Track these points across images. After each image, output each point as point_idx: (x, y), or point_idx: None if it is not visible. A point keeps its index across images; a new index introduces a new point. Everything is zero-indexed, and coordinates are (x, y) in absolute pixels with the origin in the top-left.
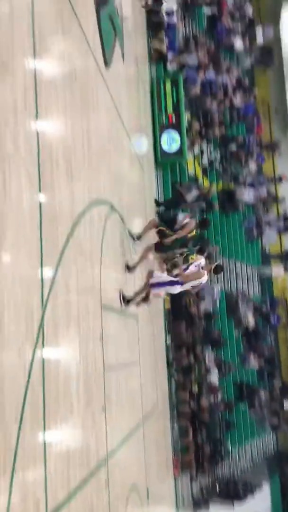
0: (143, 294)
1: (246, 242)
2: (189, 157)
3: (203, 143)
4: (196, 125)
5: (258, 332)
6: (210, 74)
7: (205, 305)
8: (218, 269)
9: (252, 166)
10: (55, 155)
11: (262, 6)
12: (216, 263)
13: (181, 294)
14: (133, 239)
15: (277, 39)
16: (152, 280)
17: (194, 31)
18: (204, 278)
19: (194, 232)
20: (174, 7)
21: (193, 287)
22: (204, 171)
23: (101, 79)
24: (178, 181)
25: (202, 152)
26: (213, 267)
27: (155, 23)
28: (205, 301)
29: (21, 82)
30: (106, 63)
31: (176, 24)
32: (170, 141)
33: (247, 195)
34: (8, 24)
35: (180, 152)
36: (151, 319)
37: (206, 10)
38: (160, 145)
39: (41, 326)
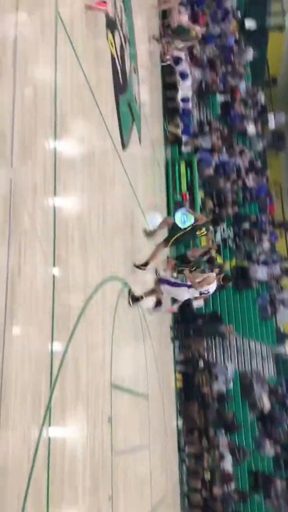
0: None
1: (260, 320)
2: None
3: None
4: (209, 204)
5: (274, 416)
6: (224, 156)
7: (218, 386)
8: (226, 279)
9: (265, 244)
10: (71, 232)
11: (274, 94)
12: (224, 273)
13: (194, 372)
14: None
15: None
16: (162, 275)
17: (208, 117)
18: (213, 286)
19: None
20: (189, 94)
21: (200, 293)
22: (218, 249)
23: (118, 160)
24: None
25: (215, 230)
26: (221, 277)
27: (171, 109)
28: (218, 381)
29: (41, 163)
30: (124, 145)
31: (191, 110)
32: (184, 219)
33: (260, 272)
34: (32, 108)
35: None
36: (162, 399)
37: (220, 98)
38: (174, 221)
39: (48, 406)
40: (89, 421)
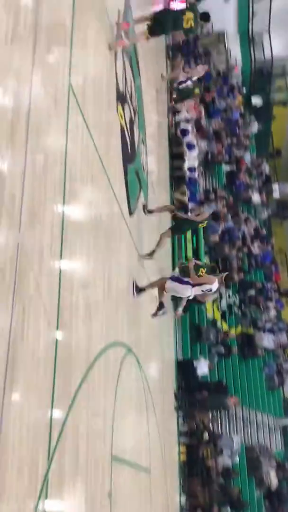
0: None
1: (267, 390)
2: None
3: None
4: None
5: (281, 493)
6: (229, 224)
7: (224, 460)
8: (228, 278)
9: (271, 312)
10: (75, 296)
11: (278, 165)
12: (226, 273)
13: (198, 445)
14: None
15: None
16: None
17: (214, 185)
18: (215, 285)
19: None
20: (196, 164)
21: (203, 292)
22: (223, 315)
23: (125, 226)
24: (197, 323)
25: (221, 296)
26: (223, 276)
27: (177, 178)
28: (224, 454)
29: (49, 227)
30: (131, 212)
31: (197, 179)
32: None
33: (266, 340)
34: (42, 174)
35: None
36: (164, 474)
37: (225, 167)
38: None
39: (45, 479)
40: (87, 495)
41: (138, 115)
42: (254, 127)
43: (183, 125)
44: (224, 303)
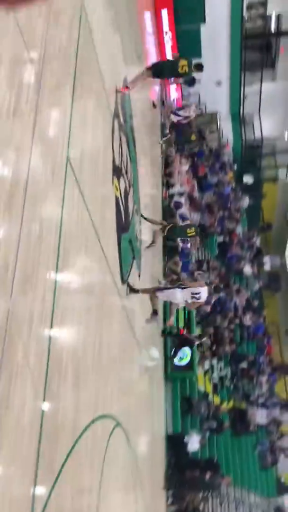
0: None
1: (259, 469)
2: (200, 372)
3: (214, 359)
4: (207, 341)
5: None
6: (221, 294)
7: None
8: (216, 288)
9: (264, 386)
10: (64, 365)
11: (269, 238)
12: (216, 284)
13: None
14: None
15: (284, 266)
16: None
17: (207, 256)
18: (204, 290)
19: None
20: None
21: (192, 296)
22: (215, 388)
23: (117, 295)
24: (188, 395)
25: (212, 367)
26: (213, 286)
27: (170, 248)
28: None
29: (41, 294)
30: (123, 281)
31: (190, 250)
32: (181, 355)
33: (259, 416)
34: (36, 242)
35: (190, 366)
36: None
37: (218, 238)
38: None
39: None
40: None
41: (133, 187)
42: (245, 202)
43: (176, 198)
44: (215, 375)
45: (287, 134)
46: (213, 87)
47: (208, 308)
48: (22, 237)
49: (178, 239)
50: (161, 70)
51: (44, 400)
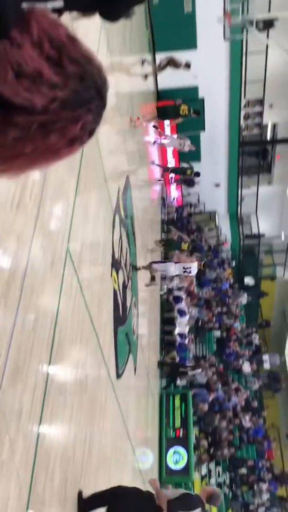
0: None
1: None
2: (196, 477)
3: (211, 463)
4: (204, 443)
5: None
6: (219, 392)
7: None
8: (205, 265)
9: (264, 495)
10: (52, 464)
11: (267, 335)
12: (204, 261)
13: None
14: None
15: (283, 364)
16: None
17: (204, 352)
18: (195, 265)
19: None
20: (186, 330)
21: (184, 270)
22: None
23: (111, 389)
24: None
25: (210, 472)
26: (202, 263)
27: (168, 342)
28: None
29: (31, 387)
30: (118, 375)
31: (187, 345)
32: (177, 458)
33: None
34: (30, 333)
35: (186, 470)
36: None
37: (216, 333)
38: (166, 461)
39: None
40: None
41: (132, 280)
42: (243, 298)
43: (176, 293)
44: (213, 481)
45: (283, 234)
46: (212, 188)
47: (205, 407)
48: (16, 327)
49: (176, 334)
50: (166, 112)
51: (28, 501)
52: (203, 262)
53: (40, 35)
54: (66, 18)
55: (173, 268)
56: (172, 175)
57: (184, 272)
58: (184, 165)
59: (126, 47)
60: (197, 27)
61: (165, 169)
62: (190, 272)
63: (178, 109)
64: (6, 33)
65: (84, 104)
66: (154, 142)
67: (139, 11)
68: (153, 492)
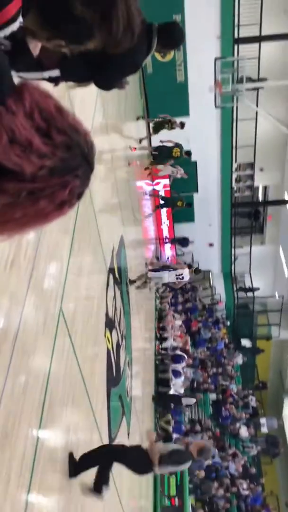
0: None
1: None
2: None
3: None
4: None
5: None
6: (216, 458)
7: None
8: (197, 271)
9: None
10: None
11: (264, 398)
12: (196, 267)
13: None
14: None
15: (281, 428)
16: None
17: (200, 415)
18: (186, 272)
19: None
20: (181, 391)
21: (177, 277)
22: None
23: None
24: None
25: None
26: (193, 270)
27: (163, 404)
28: None
29: (20, 454)
30: (111, 439)
31: (183, 409)
32: None
33: None
34: (20, 396)
35: None
36: None
37: (211, 395)
38: None
39: None
40: None
41: (126, 340)
42: (239, 359)
43: (177, 352)
44: None
45: (277, 294)
46: (206, 248)
47: (202, 474)
48: (5, 389)
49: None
50: (160, 154)
51: None
52: (194, 268)
53: (32, 106)
54: (63, 87)
55: (167, 275)
56: (164, 209)
57: (177, 278)
58: (175, 195)
59: (121, 114)
60: (190, 95)
61: (157, 207)
62: (182, 278)
63: (171, 151)
64: (2, 99)
65: (72, 171)
66: (147, 194)
67: (134, 80)
68: (147, 445)
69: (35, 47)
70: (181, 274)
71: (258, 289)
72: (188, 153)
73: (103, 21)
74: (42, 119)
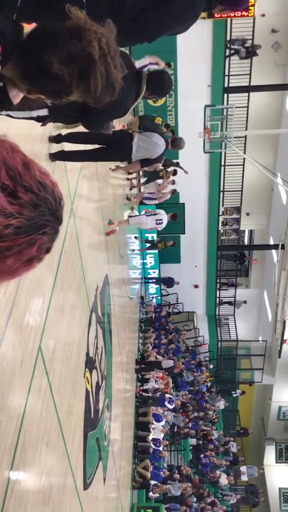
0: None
1: None
2: None
3: None
4: None
5: None
6: (193, 508)
7: None
8: (174, 217)
9: None
10: None
11: (246, 445)
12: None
13: None
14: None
15: (261, 477)
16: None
17: (179, 462)
18: (164, 219)
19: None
20: (161, 436)
21: (157, 222)
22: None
23: (77, 501)
24: None
25: None
26: (171, 214)
27: (141, 450)
28: None
29: None
30: (86, 485)
31: (161, 452)
32: None
33: None
34: None
35: None
36: None
37: (191, 441)
38: None
39: None
40: None
41: (106, 381)
42: (221, 404)
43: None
44: None
45: (261, 338)
46: (191, 289)
47: None
48: None
49: (150, 440)
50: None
51: None
52: (172, 213)
53: None
54: (50, 126)
55: (145, 220)
56: (150, 251)
57: (157, 223)
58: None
59: None
60: None
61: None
62: (161, 223)
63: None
64: None
65: (39, 229)
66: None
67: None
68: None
69: (16, 96)
70: (161, 219)
71: (238, 344)
72: (174, 217)
73: (81, 80)
74: (8, 178)
